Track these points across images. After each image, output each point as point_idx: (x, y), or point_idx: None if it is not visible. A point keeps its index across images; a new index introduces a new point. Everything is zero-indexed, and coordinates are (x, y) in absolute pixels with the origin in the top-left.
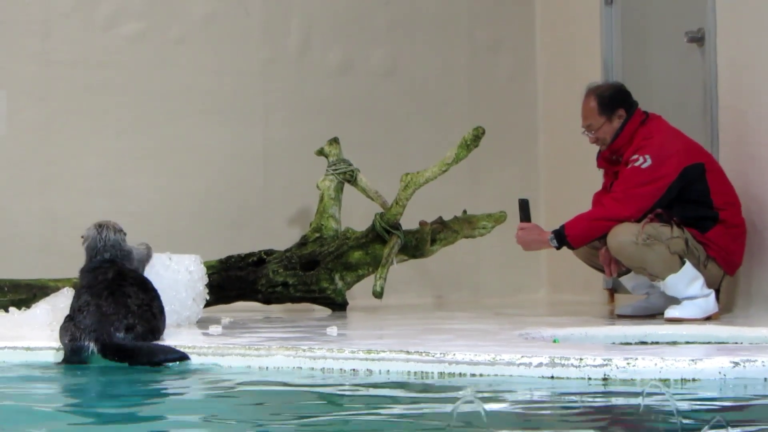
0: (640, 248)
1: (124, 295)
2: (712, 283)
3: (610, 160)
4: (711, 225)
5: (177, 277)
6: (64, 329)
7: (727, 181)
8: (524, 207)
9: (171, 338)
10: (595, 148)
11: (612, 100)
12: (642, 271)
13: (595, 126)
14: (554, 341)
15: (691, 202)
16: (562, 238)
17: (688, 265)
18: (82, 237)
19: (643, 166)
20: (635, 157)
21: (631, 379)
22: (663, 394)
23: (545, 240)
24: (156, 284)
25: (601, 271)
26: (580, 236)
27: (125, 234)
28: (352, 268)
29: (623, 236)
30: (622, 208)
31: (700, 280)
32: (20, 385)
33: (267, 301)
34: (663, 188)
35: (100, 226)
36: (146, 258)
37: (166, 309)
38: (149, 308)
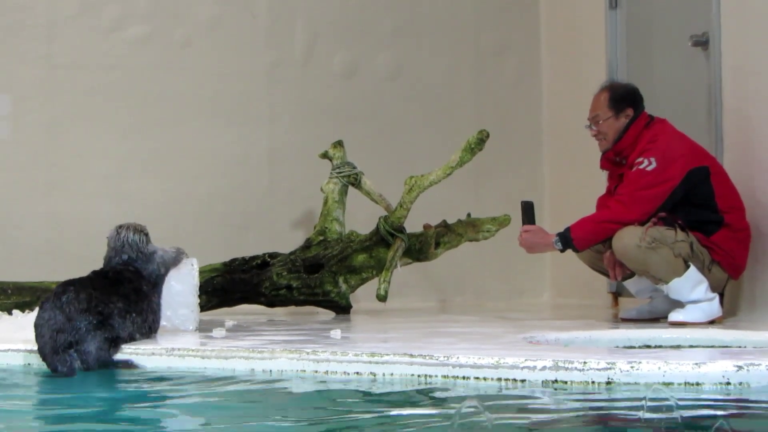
0: (645, 251)
1: (79, 301)
2: (717, 287)
3: (614, 161)
4: (716, 229)
5: (191, 281)
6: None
7: (732, 185)
8: (528, 209)
9: (174, 341)
10: (599, 151)
11: (624, 97)
12: (646, 275)
13: (601, 117)
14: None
15: (696, 205)
16: (567, 240)
17: (692, 268)
18: (107, 238)
19: (649, 168)
20: (640, 159)
21: (635, 383)
22: (666, 397)
23: (549, 242)
24: (178, 289)
25: (605, 274)
26: (586, 239)
27: (146, 234)
28: (356, 271)
29: (628, 239)
30: (628, 211)
31: (705, 284)
32: (22, 388)
33: (271, 304)
34: (668, 191)
35: (120, 227)
36: (173, 261)
37: (183, 312)
38: (109, 315)
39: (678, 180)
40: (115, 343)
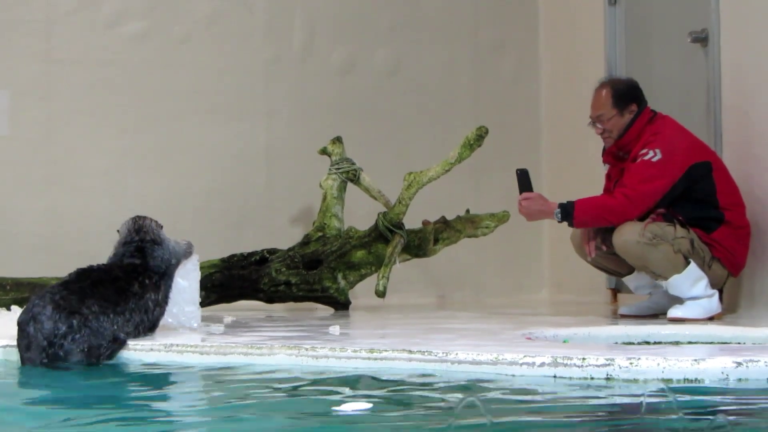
0: (646, 247)
1: (48, 315)
2: (716, 284)
3: (617, 156)
4: (716, 226)
5: (196, 277)
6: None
7: (733, 182)
8: (524, 177)
9: (172, 337)
10: (598, 148)
11: (626, 93)
12: (646, 270)
13: (606, 117)
14: (564, 341)
15: (697, 201)
16: (567, 215)
17: (693, 265)
18: (118, 231)
19: (654, 159)
20: (645, 151)
21: (634, 379)
22: (665, 394)
23: (550, 211)
24: (185, 285)
25: (605, 271)
26: (585, 221)
27: (161, 227)
28: (355, 267)
29: (629, 235)
30: (633, 206)
31: (704, 281)
32: (20, 385)
33: (269, 300)
34: (670, 184)
35: (137, 216)
36: (184, 253)
37: (189, 309)
38: (90, 314)
39: (679, 174)
40: (106, 347)
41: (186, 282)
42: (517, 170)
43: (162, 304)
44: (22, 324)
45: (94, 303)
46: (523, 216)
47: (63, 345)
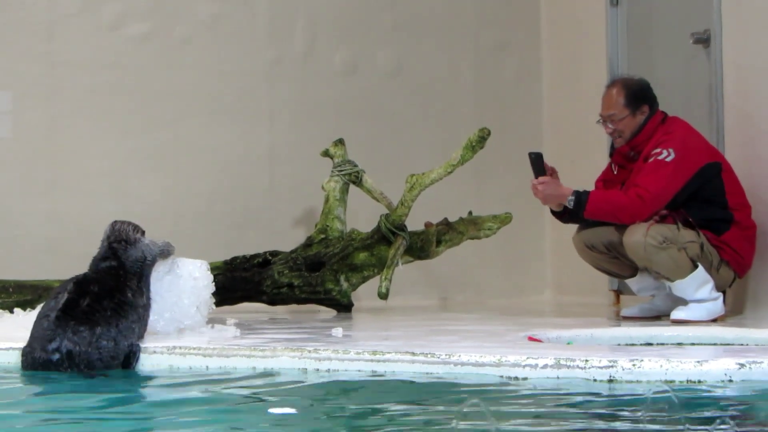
0: (655, 250)
1: (78, 341)
2: (722, 286)
3: (628, 156)
4: (726, 227)
5: (179, 282)
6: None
7: (739, 183)
8: (539, 161)
9: (174, 339)
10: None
11: (639, 94)
12: (651, 271)
13: (617, 117)
14: (568, 343)
15: (707, 201)
16: (580, 205)
17: (700, 269)
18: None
19: (668, 159)
20: (658, 150)
21: (637, 381)
22: (668, 395)
23: (564, 196)
24: (157, 288)
25: (608, 273)
26: (595, 214)
27: (136, 227)
28: (358, 269)
29: (639, 236)
30: (646, 208)
31: (710, 284)
32: (23, 387)
33: (272, 302)
34: (683, 183)
35: (115, 221)
36: (161, 252)
37: (167, 315)
38: (112, 329)
39: (692, 173)
40: (132, 355)
41: (168, 288)
42: (531, 153)
43: (147, 307)
44: (46, 339)
45: (111, 318)
46: (538, 199)
47: (107, 364)
